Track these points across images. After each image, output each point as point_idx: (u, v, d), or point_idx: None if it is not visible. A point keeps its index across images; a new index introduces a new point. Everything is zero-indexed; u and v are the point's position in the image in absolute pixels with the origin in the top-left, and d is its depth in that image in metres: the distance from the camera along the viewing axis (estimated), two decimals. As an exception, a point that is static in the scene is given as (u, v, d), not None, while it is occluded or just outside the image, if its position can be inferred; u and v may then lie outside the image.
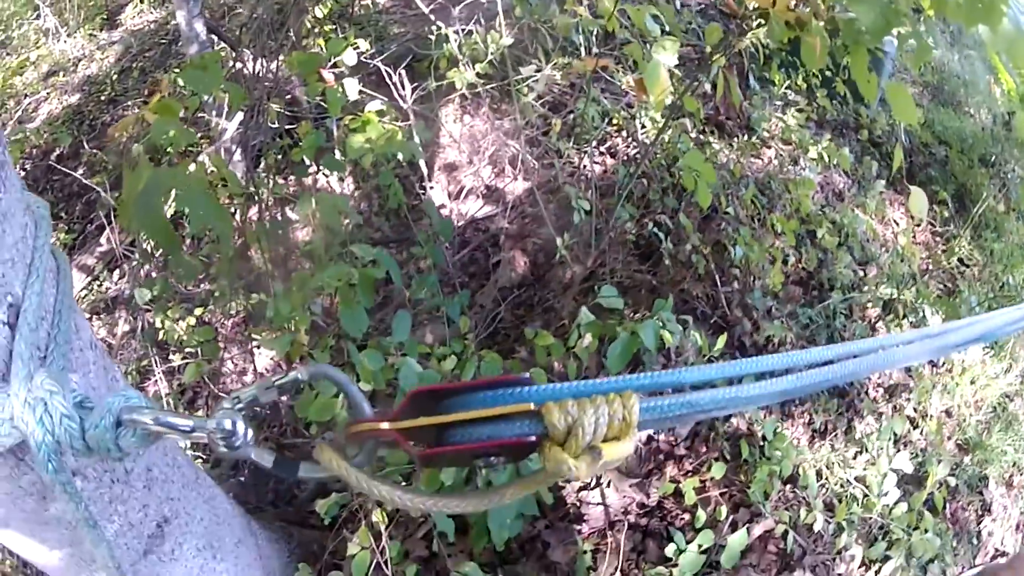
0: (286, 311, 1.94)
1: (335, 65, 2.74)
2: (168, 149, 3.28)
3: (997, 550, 3.06)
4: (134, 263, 3.51)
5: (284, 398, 2.78)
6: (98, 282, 3.67)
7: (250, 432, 0.75)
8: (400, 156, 2.98)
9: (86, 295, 3.64)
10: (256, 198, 2.49)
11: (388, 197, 2.35)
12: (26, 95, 5.23)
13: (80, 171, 4.15)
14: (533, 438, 0.66)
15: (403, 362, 2.07)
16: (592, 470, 0.65)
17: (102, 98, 4.97)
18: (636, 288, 3.11)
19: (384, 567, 2.25)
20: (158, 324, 3.17)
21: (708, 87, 3.39)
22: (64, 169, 4.11)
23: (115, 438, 0.73)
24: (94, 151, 4.14)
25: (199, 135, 3.91)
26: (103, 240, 3.76)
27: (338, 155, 2.79)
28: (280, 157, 3.57)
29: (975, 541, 3.00)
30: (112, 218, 3.56)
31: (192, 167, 2.57)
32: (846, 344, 0.93)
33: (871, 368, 0.92)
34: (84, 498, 1.12)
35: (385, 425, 0.72)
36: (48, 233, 0.93)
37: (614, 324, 2.41)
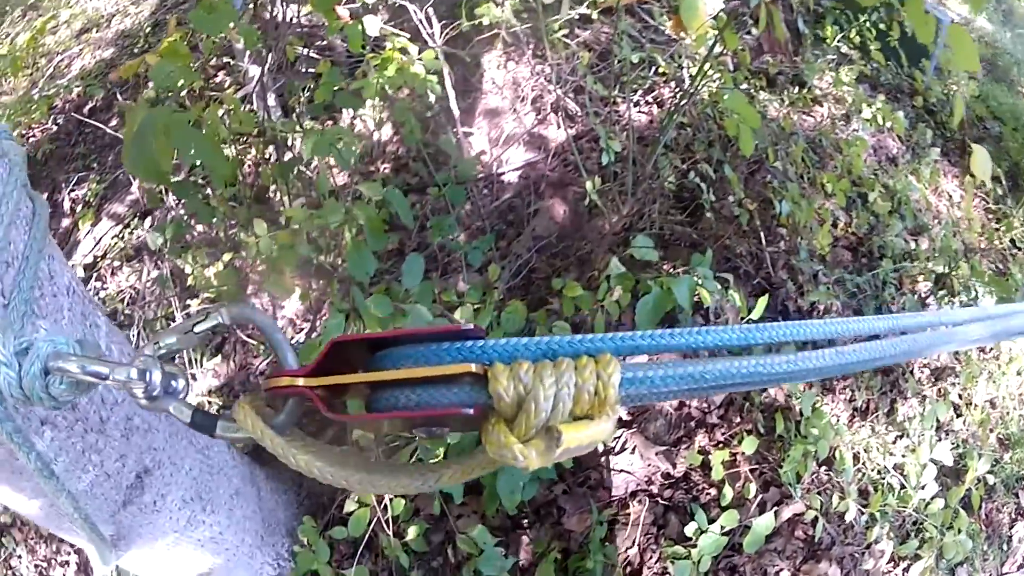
0: (268, 250, 1.82)
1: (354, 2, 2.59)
2: (182, 92, 3.21)
3: None
4: (161, 209, 3.48)
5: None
6: (128, 230, 3.65)
7: (180, 381, 0.67)
8: (432, 99, 2.84)
9: (116, 243, 3.65)
10: (274, 138, 2.36)
11: (406, 136, 2.19)
12: (58, 52, 5.22)
13: (113, 123, 4.17)
14: (470, 410, 0.51)
15: (412, 309, 1.92)
16: (548, 458, 0.49)
17: (135, 51, 4.93)
18: (676, 241, 2.94)
19: (385, 526, 2.16)
20: (187, 270, 3.13)
21: (753, 35, 3.16)
22: (94, 123, 4.13)
23: (45, 386, 0.66)
24: (127, 101, 4.12)
25: (229, 80, 3.84)
26: (133, 189, 3.78)
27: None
28: (311, 101, 3.49)
29: (1005, 547, 2.87)
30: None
31: (206, 111, 2.46)
32: (900, 316, 0.75)
33: (928, 347, 0.75)
34: (55, 447, 1.08)
35: (301, 381, 0.58)
36: (19, 179, 0.89)
37: (648, 278, 2.23)
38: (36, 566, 2.68)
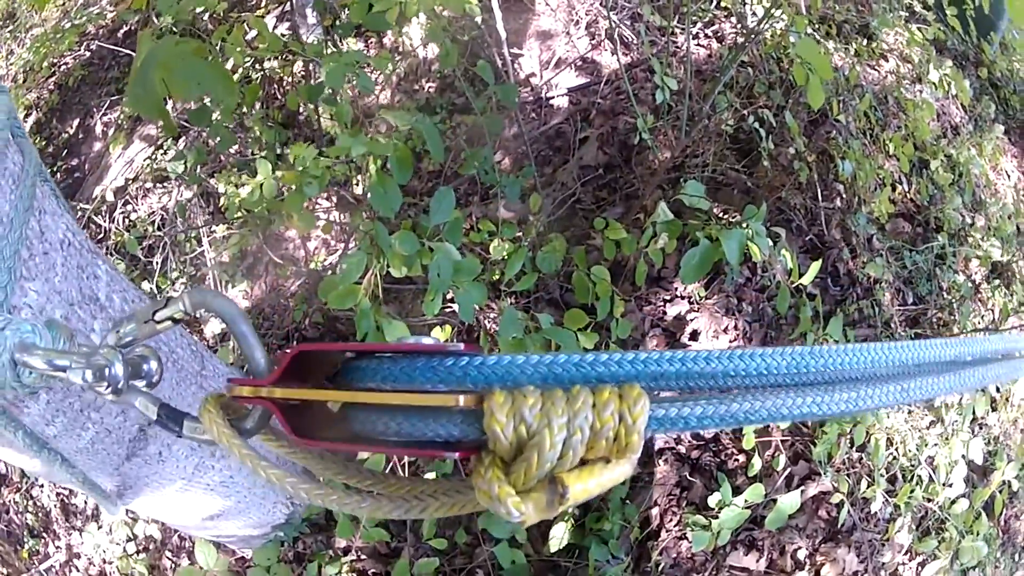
0: (271, 193, 1.72)
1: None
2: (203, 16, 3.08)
3: None
4: (191, 131, 3.40)
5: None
6: (162, 151, 3.59)
7: (152, 363, 0.62)
8: (476, 19, 2.67)
9: (148, 164, 3.58)
10: (304, 59, 2.24)
11: (443, 60, 2.05)
12: None
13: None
14: (456, 455, 0.42)
15: (438, 247, 1.79)
16: (548, 513, 0.40)
17: None
18: (729, 187, 2.80)
19: (399, 467, 2.13)
20: (220, 189, 3.07)
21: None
22: (125, 50, 4.04)
23: (16, 376, 0.65)
24: (164, 25, 4.03)
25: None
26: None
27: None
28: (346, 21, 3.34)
29: (1018, 557, 2.81)
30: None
31: (228, 35, 2.34)
32: (966, 341, 0.63)
33: (994, 380, 0.64)
34: (51, 409, 1.04)
35: (265, 392, 0.49)
36: (3, 138, 0.84)
37: (696, 226, 2.09)
38: (58, 494, 2.72)
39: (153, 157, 3.48)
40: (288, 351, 0.47)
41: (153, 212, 3.36)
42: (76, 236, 1.05)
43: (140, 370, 0.61)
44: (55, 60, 4.30)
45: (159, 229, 3.25)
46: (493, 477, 0.40)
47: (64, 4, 4.66)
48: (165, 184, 3.45)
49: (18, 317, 0.71)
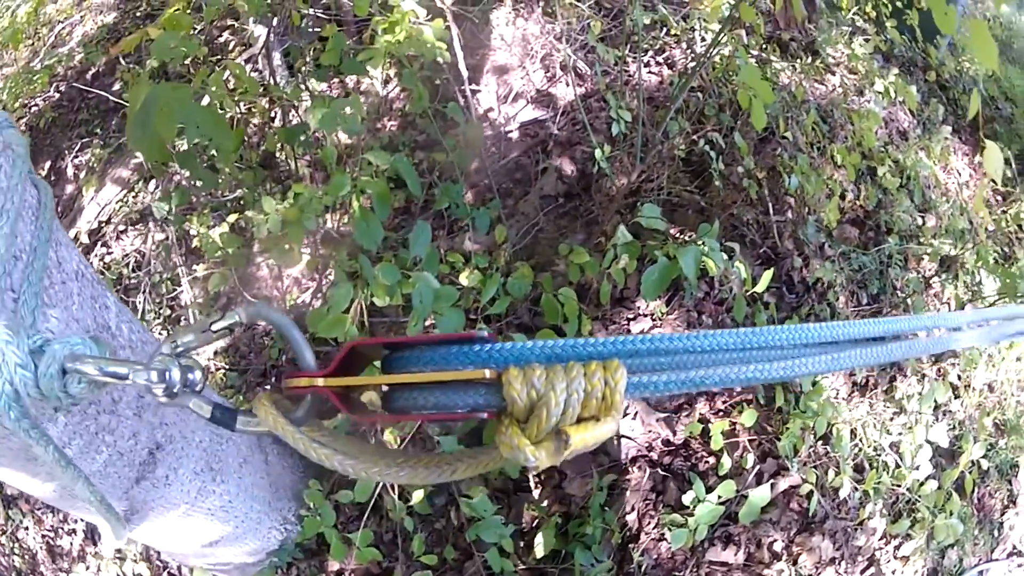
0: (275, 228, 1.84)
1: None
2: (183, 62, 3.18)
3: (1015, 547, 2.97)
4: (166, 172, 3.48)
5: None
6: (133, 193, 3.66)
7: (197, 373, 0.68)
8: (439, 58, 2.81)
9: (121, 207, 3.66)
10: (279, 102, 2.35)
11: (413, 102, 2.18)
12: (60, 21, 5.15)
13: (116, 88, 4.15)
14: (484, 415, 0.54)
15: (419, 277, 1.93)
16: (556, 459, 0.52)
17: (138, 14, 4.87)
18: (683, 207, 2.94)
19: (389, 489, 2.21)
20: (192, 231, 3.14)
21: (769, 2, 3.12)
22: (96, 90, 4.11)
23: (63, 386, 0.69)
24: (130, 66, 4.11)
25: (235, 41, 3.81)
26: (138, 153, 3.72)
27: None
28: (316, 63, 3.46)
29: (996, 533, 2.92)
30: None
31: (208, 78, 2.44)
32: (898, 320, 0.77)
33: (925, 351, 0.77)
34: (68, 431, 1.11)
35: (320, 381, 0.60)
36: (23, 170, 0.89)
37: (655, 246, 2.24)
38: (43, 536, 2.73)
39: (125, 199, 3.54)
40: (342, 346, 0.58)
41: (127, 255, 3.42)
42: (87, 268, 1.14)
43: (186, 379, 0.71)
44: (26, 101, 4.35)
45: (135, 271, 3.31)
46: (513, 433, 0.52)
47: (33, 44, 4.72)
48: (139, 226, 3.51)
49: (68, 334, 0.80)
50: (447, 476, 0.61)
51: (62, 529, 2.76)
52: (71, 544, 2.69)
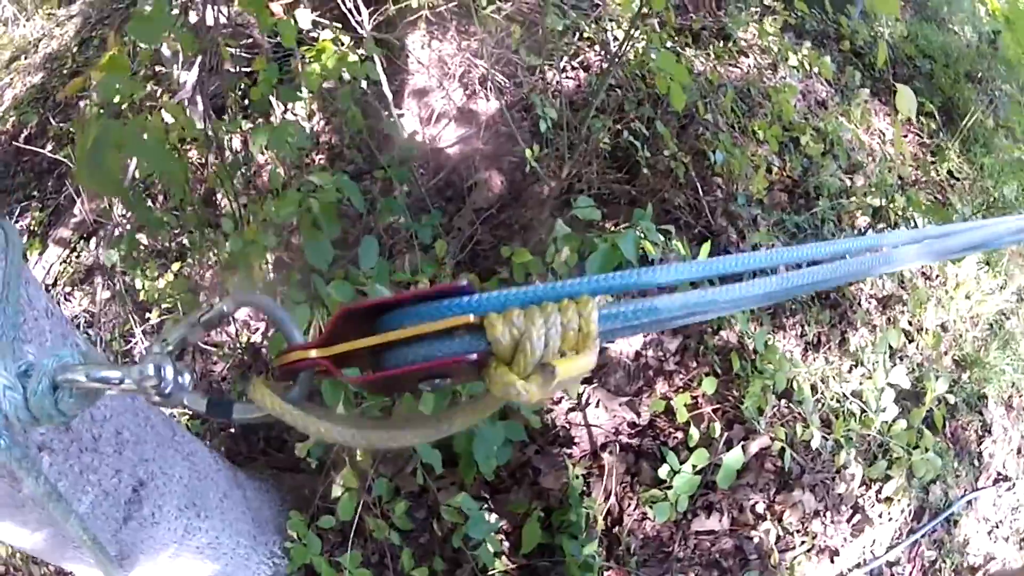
0: (237, 248, 1.85)
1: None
2: (123, 104, 3.18)
3: (999, 473, 3.06)
4: (106, 227, 3.44)
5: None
6: (75, 253, 3.61)
7: (186, 376, 0.68)
8: (364, 84, 2.86)
9: (64, 267, 3.61)
10: (215, 141, 2.37)
11: (348, 123, 2.23)
12: None
13: (49, 147, 4.10)
14: (474, 356, 0.58)
15: (372, 289, 1.97)
16: (547, 391, 0.56)
17: (64, 72, 4.86)
18: (615, 199, 3.03)
19: (372, 507, 2.22)
20: (137, 285, 3.12)
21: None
22: (32, 148, 4.08)
23: (55, 403, 0.67)
24: (60, 124, 4.08)
25: (160, 89, 3.80)
26: (76, 211, 3.72)
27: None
28: (244, 100, 3.46)
29: (976, 463, 3.00)
30: (82, 188, 3.50)
31: (148, 120, 2.46)
32: (837, 242, 0.84)
33: (866, 270, 0.83)
34: (54, 472, 1.11)
35: (314, 352, 0.64)
36: None
37: (593, 236, 2.31)
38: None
39: (68, 260, 3.49)
40: (335, 312, 0.61)
41: (76, 316, 3.36)
42: (55, 307, 1.15)
43: (179, 376, 0.72)
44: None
45: (87, 330, 3.26)
46: (502, 372, 0.57)
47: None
48: (85, 286, 3.46)
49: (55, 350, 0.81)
50: (445, 429, 0.65)
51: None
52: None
